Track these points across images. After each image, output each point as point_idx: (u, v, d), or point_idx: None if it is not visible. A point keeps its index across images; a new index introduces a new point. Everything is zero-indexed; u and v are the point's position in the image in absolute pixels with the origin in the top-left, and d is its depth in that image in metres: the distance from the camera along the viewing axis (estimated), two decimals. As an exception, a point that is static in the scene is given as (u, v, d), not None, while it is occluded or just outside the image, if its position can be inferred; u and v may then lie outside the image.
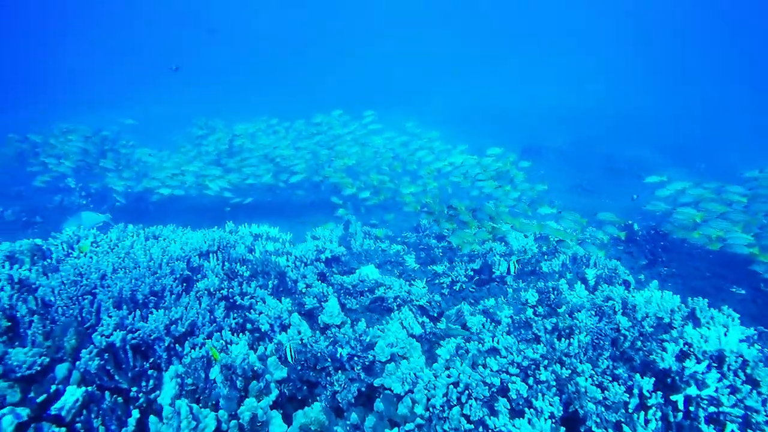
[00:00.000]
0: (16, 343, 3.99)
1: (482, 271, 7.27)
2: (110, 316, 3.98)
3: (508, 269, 5.63)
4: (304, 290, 5.33)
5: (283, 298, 5.06)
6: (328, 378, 3.84)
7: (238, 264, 4.96)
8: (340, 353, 3.96)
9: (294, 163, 9.89)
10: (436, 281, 7.00)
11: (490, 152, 9.64)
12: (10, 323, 4.02)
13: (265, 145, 10.37)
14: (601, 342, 4.41)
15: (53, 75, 35.32)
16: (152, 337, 3.66)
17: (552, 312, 5.24)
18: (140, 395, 3.40)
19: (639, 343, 4.29)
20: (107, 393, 3.35)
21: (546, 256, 7.80)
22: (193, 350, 3.67)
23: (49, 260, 5.09)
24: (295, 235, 9.71)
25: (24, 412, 2.92)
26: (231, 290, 4.48)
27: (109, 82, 32.82)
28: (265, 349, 4.10)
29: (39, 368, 3.53)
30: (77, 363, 3.50)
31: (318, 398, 3.79)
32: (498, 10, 53.26)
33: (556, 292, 5.60)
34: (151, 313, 3.97)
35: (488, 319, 5.27)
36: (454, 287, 6.70)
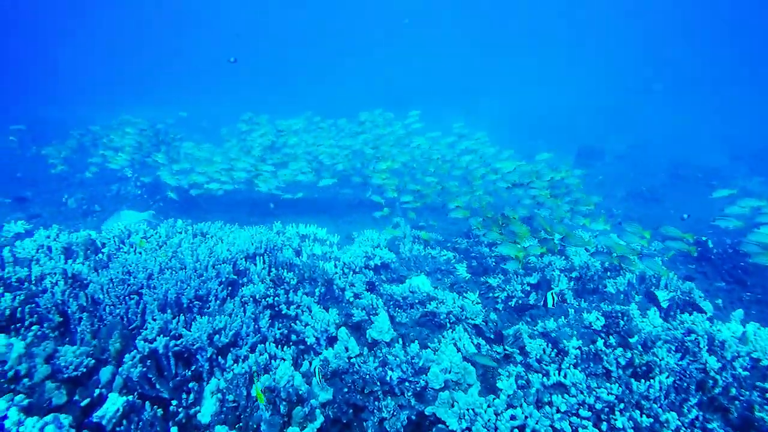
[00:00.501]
0: (67, 339, 3.96)
1: (540, 286, 6.75)
2: (154, 320, 3.87)
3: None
4: (351, 299, 5.06)
5: (330, 307, 4.81)
6: (376, 403, 3.54)
7: (285, 270, 4.75)
8: (390, 376, 3.65)
9: (337, 162, 9.65)
10: (490, 295, 6.56)
11: (540, 157, 8.89)
12: (62, 319, 3.99)
13: (309, 143, 10.17)
14: (686, 385, 3.84)
15: (115, 75, 37.32)
16: (195, 347, 3.49)
17: (623, 341, 4.68)
18: (180, 410, 3.23)
19: (734, 391, 3.70)
20: (147, 404, 3.20)
21: (609, 273, 7.17)
22: (235, 364, 3.47)
23: (101, 254, 5.10)
24: (342, 236, 9.51)
25: (66, 420, 2.81)
26: (277, 298, 4.27)
27: (164, 81, 34.26)
28: (310, 363, 3.86)
29: (84, 370, 3.45)
30: (120, 368, 3.39)
31: (364, 424, 3.50)
32: (547, 9, 51.06)
33: (625, 318, 5.02)
34: (195, 319, 3.82)
35: (548, 344, 4.80)
36: (510, 303, 6.24)
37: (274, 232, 6.17)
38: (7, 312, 3.75)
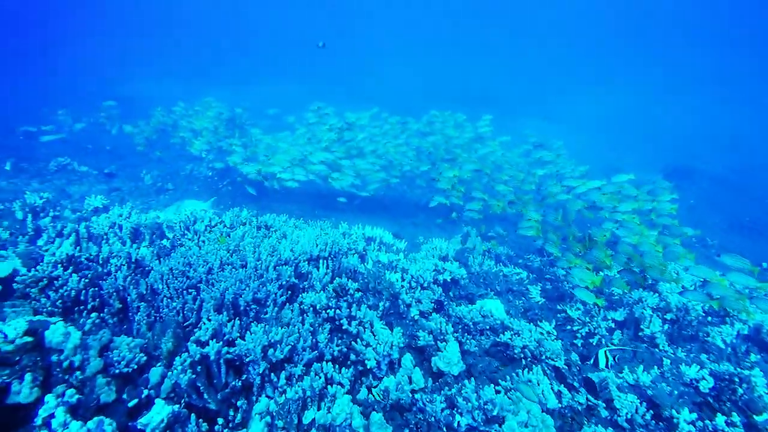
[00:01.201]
0: (124, 327, 3.84)
1: (626, 324, 5.92)
2: (209, 320, 3.64)
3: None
4: (417, 317, 4.60)
5: (394, 324, 4.39)
6: (439, 452, 3.07)
7: (349, 279, 4.37)
8: (459, 422, 3.16)
9: (404, 163, 9.17)
10: (568, 327, 5.83)
11: (617, 179, 7.60)
12: (121, 305, 3.88)
13: (377, 139, 9.73)
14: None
15: (194, 55, 39.25)
16: (247, 359, 3.20)
17: (746, 419, 3.84)
18: (225, 431, 2.94)
19: None
20: (193, 417, 2.94)
21: (711, 319, 6.17)
22: (288, 385, 3.14)
23: (166, 240, 5.01)
24: (407, 240, 9.07)
25: (110, 428, 2.60)
26: (338, 311, 3.90)
27: (244, 64, 35.52)
28: (369, 390, 3.46)
29: (135, 366, 3.27)
30: (170, 373, 3.17)
31: (424, 474, 3.04)
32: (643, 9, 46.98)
33: (745, 386, 4.15)
34: (251, 325, 3.54)
35: (642, 401, 4.06)
36: (591, 340, 5.49)
37: (340, 233, 5.84)
38: (73, 294, 3.67)
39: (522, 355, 4.49)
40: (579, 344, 5.47)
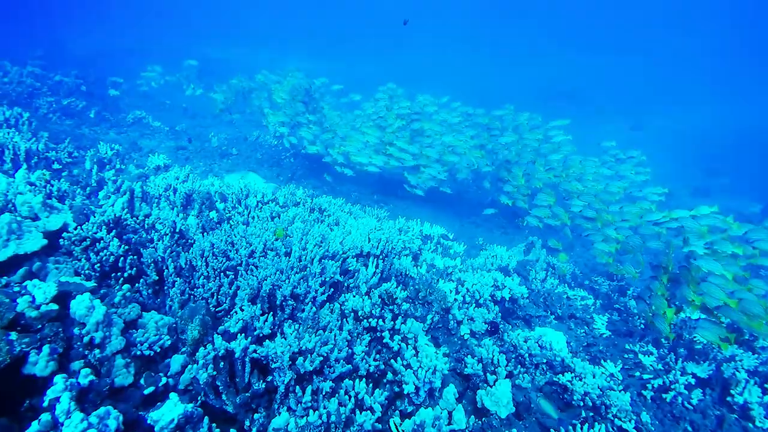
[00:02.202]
0: (158, 300, 3.66)
1: (711, 383, 5.03)
2: (242, 309, 3.36)
3: None
4: (467, 337, 4.09)
5: (440, 341, 3.92)
6: None
7: (399, 287, 3.91)
8: (502, 485, 2.65)
9: (473, 161, 8.43)
10: (637, 374, 5.06)
11: (701, 211, 6.23)
12: (158, 277, 3.71)
13: (444, 131, 8.98)
14: None
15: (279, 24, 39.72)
16: (273, 366, 2.86)
17: None
18: (238, 445, 2.64)
19: None
20: (206, 419, 2.67)
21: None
22: (314, 403, 2.77)
23: (214, 212, 4.81)
24: (467, 241, 8.45)
25: (113, 423, 2.36)
26: (381, 323, 3.48)
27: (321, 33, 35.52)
28: (402, 419, 3.03)
29: (159, 350, 3.05)
30: (190, 366, 2.91)
31: None
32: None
33: None
34: (283, 324, 3.21)
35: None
36: (665, 395, 4.70)
37: (396, 228, 5.38)
38: (111, 259, 3.52)
39: (581, 403, 3.86)
40: (648, 396, 4.71)
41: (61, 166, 6.15)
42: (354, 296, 3.66)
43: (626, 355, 5.39)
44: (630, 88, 27.37)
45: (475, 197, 10.67)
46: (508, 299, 4.90)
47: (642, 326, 6.02)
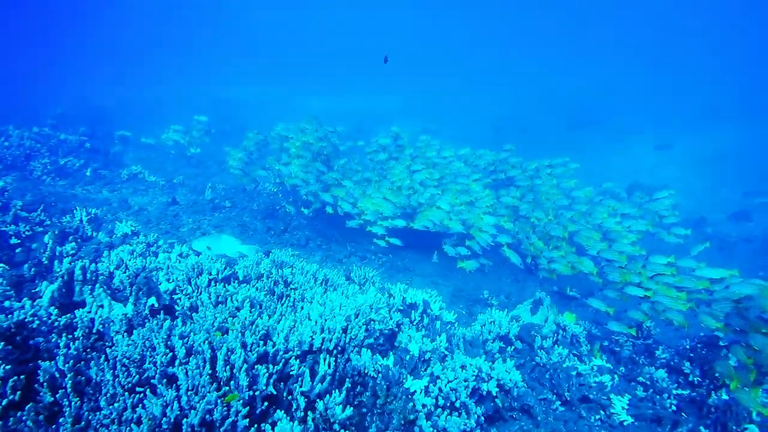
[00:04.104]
0: (53, 427, 3.05)
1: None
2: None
3: None
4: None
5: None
6: None
7: (343, 396, 3.15)
8: None
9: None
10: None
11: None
12: (52, 399, 3.10)
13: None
14: None
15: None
16: None
17: None
18: None
19: None
20: None
21: None
22: None
23: (155, 299, 4.23)
24: (470, 294, 7.62)
25: None
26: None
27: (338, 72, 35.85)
28: None
29: None
30: None
31: None
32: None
33: None
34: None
35: None
36: None
37: (377, 300, 4.63)
38: (-10, 382, 2.95)
39: None
40: None
41: (19, 241, 5.81)
42: (285, 420, 2.94)
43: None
44: (654, 104, 26.05)
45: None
46: (496, 393, 4.05)
47: (674, 408, 5.00)
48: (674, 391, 5.09)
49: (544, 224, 7.03)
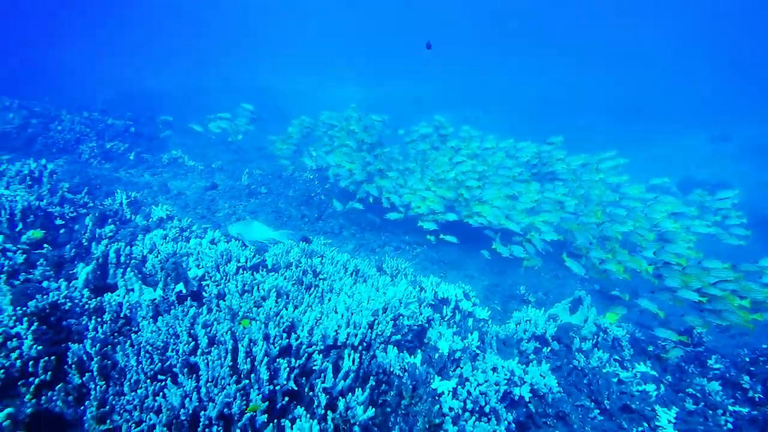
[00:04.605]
0: (81, 409, 3.07)
1: None
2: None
3: None
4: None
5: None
6: None
7: (367, 395, 3.01)
8: None
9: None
10: None
11: None
12: (80, 381, 3.13)
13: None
14: None
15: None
16: None
17: None
18: None
19: None
20: None
21: None
22: None
23: (183, 285, 4.23)
24: (506, 290, 7.33)
25: None
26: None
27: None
28: None
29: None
30: None
31: None
32: None
33: None
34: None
35: None
36: None
37: (397, 298, 4.46)
38: (18, 364, 3.00)
39: None
40: None
41: (63, 222, 6.00)
42: (304, 418, 2.84)
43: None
44: (706, 96, 24.22)
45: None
46: (529, 398, 3.81)
47: (729, 426, 4.58)
48: (730, 408, 4.66)
49: (596, 223, 6.60)
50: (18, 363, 2.97)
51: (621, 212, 6.52)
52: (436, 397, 3.39)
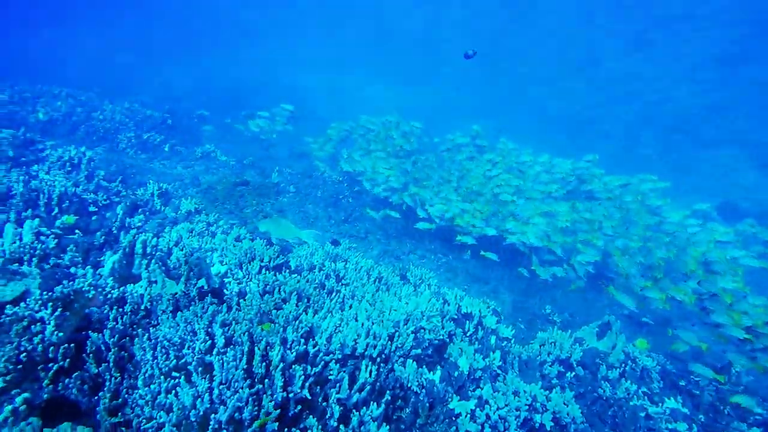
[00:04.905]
0: (95, 398, 3.08)
1: None
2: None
3: None
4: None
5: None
6: None
7: (382, 410, 2.91)
8: None
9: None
10: None
11: None
12: (96, 371, 3.14)
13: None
14: None
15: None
16: None
17: None
18: None
19: None
20: None
21: None
22: None
23: (205, 281, 4.22)
24: (532, 309, 7.11)
25: None
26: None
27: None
28: None
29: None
30: None
31: None
32: None
33: None
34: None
35: None
36: None
37: (419, 309, 4.34)
38: (40, 348, 3.03)
39: None
40: None
41: (96, 209, 6.14)
42: (316, 428, 2.74)
43: None
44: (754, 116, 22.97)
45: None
46: (550, 428, 3.61)
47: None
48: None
49: (638, 248, 6.33)
50: (39, 348, 2.99)
51: (664, 238, 6.21)
52: (453, 418, 3.25)
